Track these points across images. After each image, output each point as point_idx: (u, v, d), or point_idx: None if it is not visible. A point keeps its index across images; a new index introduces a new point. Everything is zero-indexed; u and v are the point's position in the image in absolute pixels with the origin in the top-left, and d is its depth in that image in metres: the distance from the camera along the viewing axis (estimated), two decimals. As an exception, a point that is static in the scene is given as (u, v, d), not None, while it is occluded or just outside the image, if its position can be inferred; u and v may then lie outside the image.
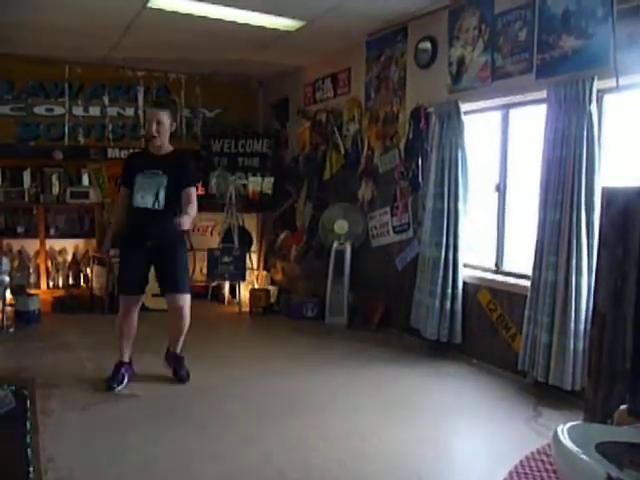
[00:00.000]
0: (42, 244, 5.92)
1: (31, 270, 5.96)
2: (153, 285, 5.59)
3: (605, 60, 3.11)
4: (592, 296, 3.11)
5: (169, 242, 3.54)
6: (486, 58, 3.94)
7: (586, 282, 3.23)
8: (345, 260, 5.21)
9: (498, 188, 4.09)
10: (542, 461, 1.12)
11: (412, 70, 4.68)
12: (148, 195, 3.50)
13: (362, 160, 5.32)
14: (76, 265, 6.13)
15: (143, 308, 5.52)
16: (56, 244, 6.11)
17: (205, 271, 6.04)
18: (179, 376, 3.69)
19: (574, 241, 3.24)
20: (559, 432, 1.06)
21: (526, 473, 1.10)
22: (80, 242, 6.21)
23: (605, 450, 1.01)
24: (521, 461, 1.14)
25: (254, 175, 6.53)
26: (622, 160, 3.32)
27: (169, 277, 3.63)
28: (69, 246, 6.18)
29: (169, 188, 3.51)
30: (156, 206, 3.50)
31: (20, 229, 5.91)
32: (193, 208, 3.51)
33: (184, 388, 3.60)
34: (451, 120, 4.12)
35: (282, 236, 6.27)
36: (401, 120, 4.82)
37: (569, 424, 1.10)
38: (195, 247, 6.25)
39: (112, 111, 6.57)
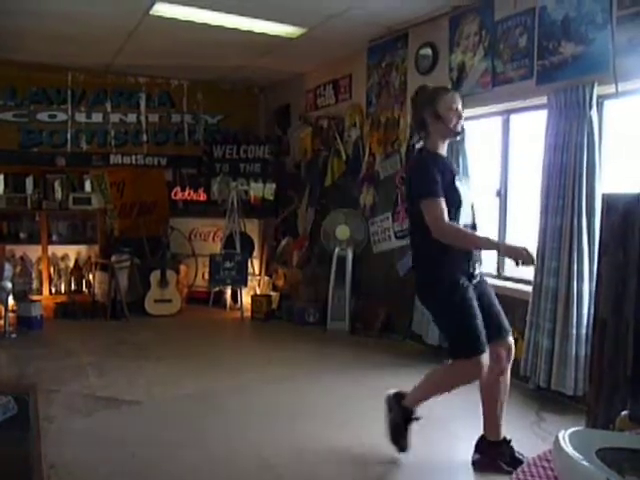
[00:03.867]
0: (44, 250, 5.94)
1: (33, 276, 5.98)
2: (155, 291, 5.67)
3: (605, 66, 3.12)
4: (593, 302, 3.12)
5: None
6: (486, 64, 3.96)
7: (587, 287, 3.22)
8: (347, 266, 5.22)
9: (499, 193, 4.09)
10: (543, 467, 1.12)
11: (413, 76, 4.70)
12: (468, 209, 2.64)
13: (363, 166, 5.34)
14: (78, 271, 6.14)
15: (145, 314, 5.64)
16: (58, 250, 6.13)
17: (207, 277, 6.05)
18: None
19: (575, 246, 3.25)
20: (560, 438, 1.06)
21: (527, 479, 1.10)
22: (82, 248, 6.23)
23: (606, 456, 1.01)
24: (522, 467, 1.14)
25: (256, 181, 6.52)
26: (622, 166, 3.32)
27: (499, 317, 2.72)
28: (71, 252, 6.20)
29: None
30: (475, 221, 2.68)
31: (22, 235, 5.94)
32: None
33: (186, 395, 3.60)
34: (452, 126, 4.13)
35: (284, 242, 6.28)
36: (402, 126, 4.84)
37: (570, 430, 1.10)
38: (197, 253, 6.27)
39: (114, 117, 6.61)
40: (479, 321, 2.52)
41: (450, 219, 2.48)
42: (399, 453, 2.71)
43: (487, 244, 2.60)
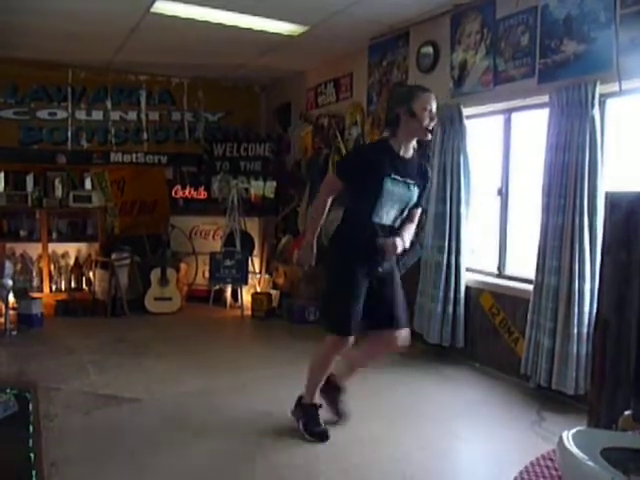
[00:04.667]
0: (45, 248, 5.93)
1: (34, 274, 5.97)
2: (155, 288, 5.67)
3: (607, 64, 3.12)
4: (595, 301, 3.11)
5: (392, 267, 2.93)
6: (488, 62, 3.95)
7: (589, 286, 3.22)
8: (347, 264, 5.20)
9: (500, 192, 4.09)
10: (547, 467, 1.12)
11: (414, 75, 4.69)
12: (393, 210, 2.77)
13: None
14: (78, 269, 6.14)
15: (145, 312, 5.63)
16: (59, 248, 6.12)
17: (207, 275, 6.05)
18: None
19: (576, 245, 3.24)
20: (564, 438, 1.06)
21: (531, 479, 1.10)
22: (83, 246, 6.23)
23: (611, 456, 1.01)
24: (526, 467, 1.14)
25: (256, 179, 6.54)
26: (625, 164, 3.31)
27: (392, 309, 2.87)
28: (72, 250, 6.20)
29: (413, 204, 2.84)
30: (395, 224, 2.82)
31: (23, 233, 5.92)
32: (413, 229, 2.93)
33: (186, 392, 3.59)
34: (453, 124, 4.13)
35: (284, 240, 6.27)
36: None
37: (574, 430, 1.09)
38: (197, 251, 6.26)
39: (115, 115, 6.59)
40: (355, 307, 2.76)
41: (366, 210, 2.72)
42: (324, 441, 2.86)
43: (305, 238, 2.95)
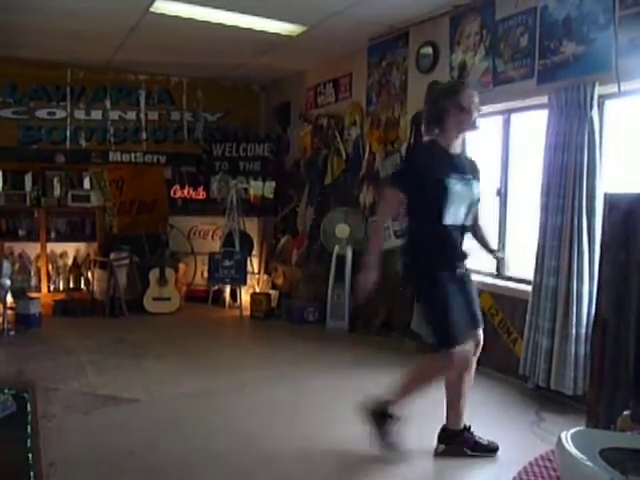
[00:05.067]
0: (43, 247, 5.93)
1: (32, 273, 5.97)
2: (154, 289, 5.66)
3: (606, 66, 3.12)
4: (593, 301, 3.11)
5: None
6: (487, 63, 3.95)
7: (587, 287, 3.22)
8: (346, 264, 5.21)
9: (499, 193, 4.09)
10: (546, 467, 1.12)
11: (413, 75, 4.70)
12: (462, 208, 2.68)
13: (363, 164, 5.33)
14: (77, 268, 6.13)
15: (144, 312, 5.62)
16: (57, 247, 6.12)
17: (206, 275, 6.04)
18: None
19: (575, 246, 3.25)
20: (563, 438, 1.06)
21: (530, 479, 1.10)
22: (81, 245, 6.22)
23: (609, 456, 1.01)
24: (525, 467, 1.14)
25: (255, 179, 6.54)
26: (623, 165, 3.32)
27: (475, 308, 2.79)
28: (70, 249, 6.19)
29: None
30: (467, 222, 2.73)
31: (21, 232, 5.92)
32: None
33: (185, 393, 3.59)
34: (452, 125, 4.12)
35: (283, 240, 6.28)
36: (402, 125, 4.83)
37: (573, 430, 1.10)
38: (196, 251, 6.26)
39: (114, 114, 6.59)
40: (457, 314, 2.64)
41: (434, 215, 2.61)
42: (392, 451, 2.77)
43: (367, 257, 2.79)
